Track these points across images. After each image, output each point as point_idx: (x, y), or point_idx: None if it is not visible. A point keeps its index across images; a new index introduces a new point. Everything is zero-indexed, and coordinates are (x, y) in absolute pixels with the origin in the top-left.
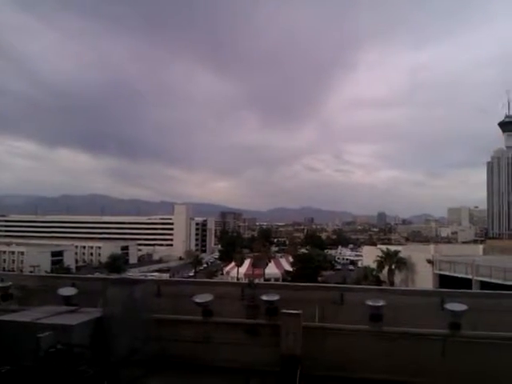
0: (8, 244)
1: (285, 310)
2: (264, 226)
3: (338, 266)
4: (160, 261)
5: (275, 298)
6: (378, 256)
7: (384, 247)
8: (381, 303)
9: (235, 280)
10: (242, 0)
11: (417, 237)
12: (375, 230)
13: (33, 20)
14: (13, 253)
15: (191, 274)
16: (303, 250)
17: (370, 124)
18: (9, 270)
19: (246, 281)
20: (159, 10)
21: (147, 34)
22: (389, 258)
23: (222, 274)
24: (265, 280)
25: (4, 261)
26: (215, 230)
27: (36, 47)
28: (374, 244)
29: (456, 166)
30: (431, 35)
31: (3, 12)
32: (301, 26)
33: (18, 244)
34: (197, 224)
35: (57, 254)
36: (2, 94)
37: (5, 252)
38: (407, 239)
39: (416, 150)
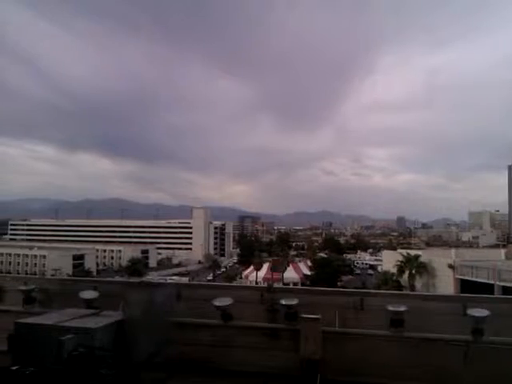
0: (30, 248)
1: (304, 315)
2: (282, 230)
3: (357, 271)
4: (179, 264)
5: (294, 302)
6: (398, 260)
7: (404, 252)
8: (402, 308)
9: (254, 284)
10: (258, 4)
11: (437, 241)
12: (395, 234)
13: (53, 26)
14: (35, 256)
15: (210, 278)
16: (322, 254)
17: (387, 127)
18: (31, 274)
19: (265, 285)
20: (175, 15)
21: (163, 38)
22: (409, 263)
23: (241, 277)
24: (283, 284)
25: (26, 264)
26: (233, 234)
27: (56, 53)
28: (393, 248)
29: (476, 169)
30: (447, 38)
31: (24, 19)
32: (317, 29)
33: (39, 248)
34: (215, 228)
35: (78, 258)
36: (24, 99)
37: (27, 256)
38: (427, 244)
39: (435, 153)
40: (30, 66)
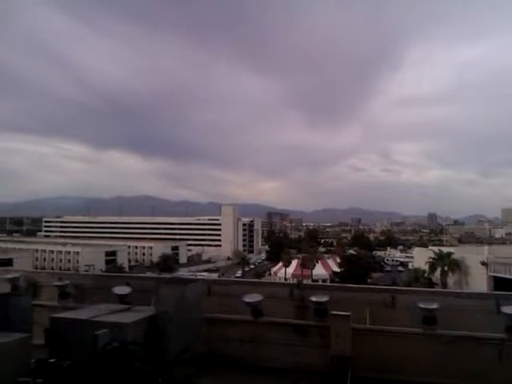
0: (64, 244)
1: (334, 312)
2: (311, 227)
3: (388, 268)
4: (209, 261)
5: (324, 299)
6: (429, 258)
7: (436, 249)
8: (434, 306)
9: (283, 280)
10: (284, 2)
11: (469, 238)
12: (426, 231)
13: (87, 29)
14: (68, 253)
15: (238, 274)
16: (351, 251)
17: (417, 122)
18: (65, 270)
19: (294, 281)
20: (203, 14)
21: (192, 38)
22: (441, 260)
23: (270, 274)
24: (312, 281)
25: (60, 260)
26: (262, 231)
27: (89, 54)
28: (424, 245)
29: (509, 164)
30: (477, 31)
31: (57, 20)
32: (344, 25)
33: (73, 244)
34: (244, 225)
35: (111, 254)
36: (57, 99)
37: (61, 252)
38: (459, 240)
39: (467, 148)
40: (63, 66)
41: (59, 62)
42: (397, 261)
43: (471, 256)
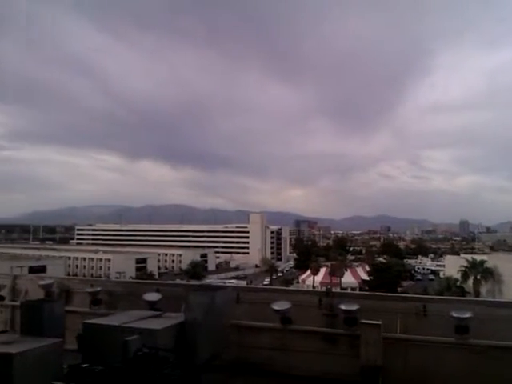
0: (95, 252)
1: (364, 320)
2: (339, 235)
3: (418, 276)
4: (237, 268)
5: (354, 307)
6: (461, 266)
7: (468, 257)
8: (467, 315)
9: (311, 288)
10: (312, 9)
11: (502, 246)
12: (457, 238)
13: (109, 39)
14: (100, 260)
15: (266, 282)
16: (380, 259)
17: (448, 128)
18: (96, 276)
19: (323, 289)
20: (229, 23)
21: (219, 47)
22: (474, 268)
23: (298, 282)
24: (341, 289)
25: (92, 267)
26: (290, 239)
27: (116, 66)
28: (456, 253)
29: None
30: (509, 36)
31: (87, 34)
32: (372, 32)
33: (104, 251)
34: (272, 232)
35: (141, 261)
36: (89, 111)
37: (92, 259)
38: (492, 248)
39: (499, 154)
40: (94, 79)
41: (91, 74)
42: (428, 269)
43: (504, 264)
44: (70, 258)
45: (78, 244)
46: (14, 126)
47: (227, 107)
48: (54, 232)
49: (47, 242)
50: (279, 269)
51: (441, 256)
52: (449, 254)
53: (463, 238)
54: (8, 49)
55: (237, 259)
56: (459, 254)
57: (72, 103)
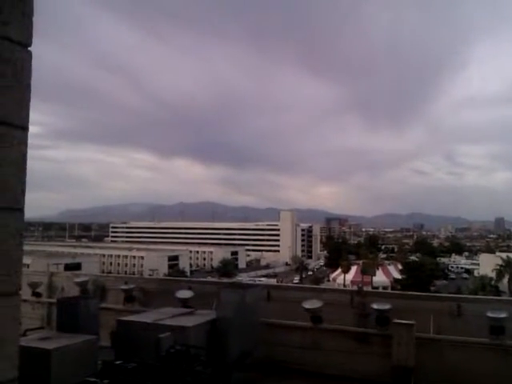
0: (129, 249)
1: (397, 320)
2: (370, 232)
3: (452, 275)
4: (267, 266)
5: (386, 306)
6: (497, 264)
7: (504, 255)
8: (503, 315)
9: (342, 287)
10: (346, 4)
11: None
12: (493, 236)
13: (146, 38)
14: (134, 257)
15: (296, 280)
16: (413, 258)
17: (484, 123)
18: (130, 274)
19: (354, 288)
20: (261, 19)
21: (251, 44)
22: (509, 267)
23: (329, 280)
24: (373, 288)
25: (126, 265)
26: (321, 236)
27: (150, 64)
28: (491, 252)
29: None
30: None
31: (121, 31)
32: (407, 25)
33: (138, 249)
34: (302, 230)
35: (173, 259)
36: (123, 109)
37: (126, 257)
38: None
39: None
40: (129, 78)
41: (126, 73)
42: (462, 268)
43: None
44: (104, 255)
45: (112, 242)
46: (51, 124)
47: (260, 103)
48: (89, 230)
49: (82, 239)
50: (310, 267)
51: (475, 254)
52: (484, 252)
53: (499, 236)
54: (43, 48)
55: (267, 257)
56: (494, 253)
57: (106, 102)
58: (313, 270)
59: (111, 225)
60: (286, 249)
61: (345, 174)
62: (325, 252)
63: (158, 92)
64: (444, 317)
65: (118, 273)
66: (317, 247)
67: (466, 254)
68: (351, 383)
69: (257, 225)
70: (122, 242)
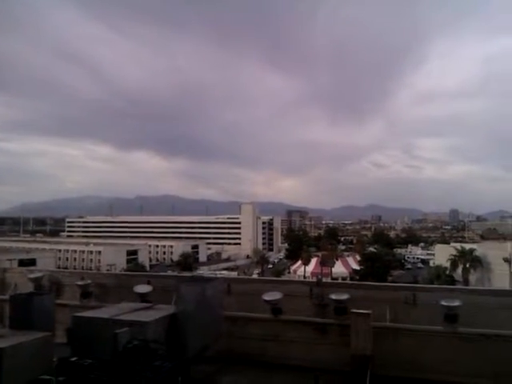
0: (86, 244)
1: (355, 310)
2: (330, 225)
3: (408, 266)
4: (228, 259)
5: (344, 297)
6: (451, 255)
7: (458, 245)
8: (456, 303)
9: (302, 278)
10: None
11: (492, 234)
12: (447, 227)
13: (106, 30)
14: (91, 252)
15: (256, 272)
16: (371, 249)
17: (441, 117)
18: (87, 269)
19: (314, 279)
20: (225, 14)
21: (215, 38)
22: (463, 257)
23: (289, 272)
24: (332, 279)
25: (82, 260)
26: (282, 229)
27: (110, 56)
28: (446, 242)
29: None
30: (504, 25)
31: (80, 24)
32: (368, 21)
33: (95, 244)
34: (263, 223)
35: (132, 253)
36: (82, 101)
37: (83, 252)
38: (482, 237)
39: (491, 143)
40: (88, 69)
41: (84, 64)
42: (418, 258)
43: (494, 252)
44: (60, 250)
45: (68, 236)
46: (5, 116)
47: (223, 98)
48: (45, 224)
49: (37, 234)
50: (271, 259)
51: (431, 245)
52: (439, 242)
53: (453, 227)
54: None
55: (228, 250)
56: (449, 243)
57: (64, 93)
58: (274, 263)
59: (67, 219)
60: (247, 242)
61: (306, 167)
62: (286, 244)
63: (119, 84)
64: (400, 306)
65: (75, 268)
66: (278, 240)
67: (422, 244)
68: (311, 372)
69: (217, 218)
70: (79, 236)
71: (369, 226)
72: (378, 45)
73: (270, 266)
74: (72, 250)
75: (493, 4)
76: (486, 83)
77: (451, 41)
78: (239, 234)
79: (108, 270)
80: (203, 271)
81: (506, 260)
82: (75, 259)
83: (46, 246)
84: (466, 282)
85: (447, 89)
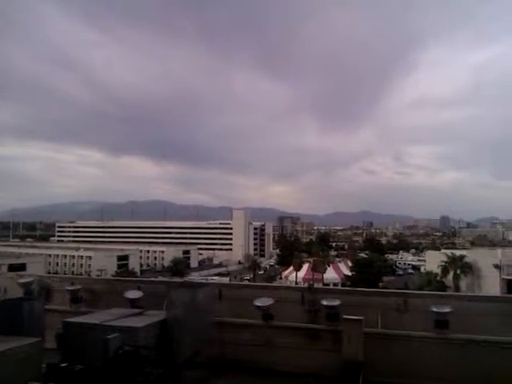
0: (76, 249)
1: (346, 316)
2: (322, 230)
3: (400, 272)
4: (220, 265)
5: (336, 303)
6: (442, 261)
7: (449, 252)
8: (447, 309)
9: (294, 284)
10: (301, 6)
11: (482, 241)
12: (438, 234)
13: (98, 34)
14: (81, 257)
15: (247, 278)
16: (362, 255)
17: (432, 124)
18: (77, 274)
19: (306, 285)
20: (218, 20)
21: (207, 44)
22: (454, 263)
23: (281, 278)
24: (324, 285)
25: (73, 265)
26: (273, 235)
27: (102, 60)
28: (437, 249)
29: None
30: (494, 33)
31: (72, 28)
32: (360, 29)
33: (85, 249)
34: (255, 228)
35: (122, 258)
36: (72, 105)
37: (73, 257)
38: (472, 243)
39: (482, 150)
40: (78, 73)
41: (77, 69)
42: (409, 264)
43: (484, 259)
44: (50, 255)
45: (58, 241)
46: None
47: (215, 103)
48: (35, 229)
49: (27, 239)
50: (262, 265)
51: (422, 251)
52: (430, 249)
53: (444, 234)
54: None
55: (220, 256)
56: (440, 250)
57: (55, 97)
58: (265, 268)
59: (57, 224)
60: (239, 247)
61: (297, 173)
62: (277, 250)
63: (111, 89)
64: (391, 312)
65: (65, 273)
66: (269, 245)
67: (413, 250)
68: (303, 379)
69: (209, 223)
70: (69, 241)
71: (360, 231)
72: (369, 52)
73: (262, 271)
74: (62, 255)
75: (483, 13)
76: (476, 91)
77: (442, 48)
78: (231, 239)
79: (98, 276)
80: (194, 277)
81: (496, 266)
82: (65, 264)
83: (36, 251)
84: (456, 288)
85: (438, 96)
